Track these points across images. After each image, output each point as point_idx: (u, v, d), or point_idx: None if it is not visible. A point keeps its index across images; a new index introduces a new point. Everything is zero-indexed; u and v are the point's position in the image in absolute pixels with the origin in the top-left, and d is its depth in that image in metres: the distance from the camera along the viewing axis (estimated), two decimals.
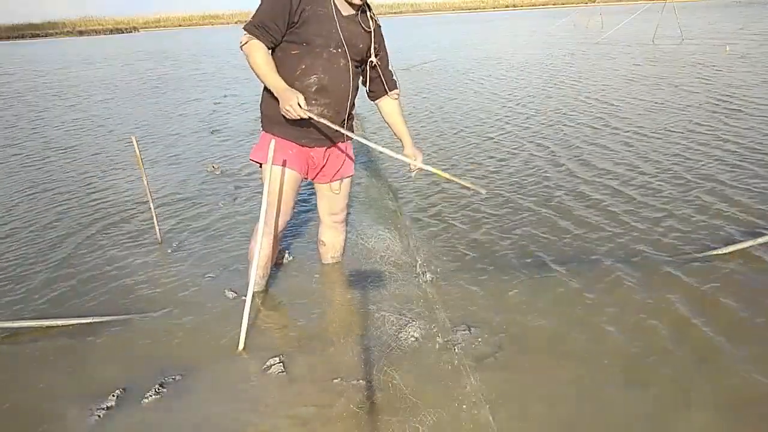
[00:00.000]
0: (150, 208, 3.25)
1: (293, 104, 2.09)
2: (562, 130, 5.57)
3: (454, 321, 2.29)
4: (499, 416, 1.75)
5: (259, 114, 2.45)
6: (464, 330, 2.21)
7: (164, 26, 60.39)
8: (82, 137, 6.56)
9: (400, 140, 2.54)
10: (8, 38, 49.78)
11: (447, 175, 2.27)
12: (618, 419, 1.74)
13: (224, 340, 2.24)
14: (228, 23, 58.77)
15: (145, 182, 3.18)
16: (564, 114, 6.35)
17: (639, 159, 4.44)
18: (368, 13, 2.30)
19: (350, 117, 2.45)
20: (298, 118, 2.13)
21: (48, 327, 2.37)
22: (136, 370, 2.08)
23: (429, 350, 2.11)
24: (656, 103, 6.62)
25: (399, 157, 2.41)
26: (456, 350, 2.09)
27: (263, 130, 2.41)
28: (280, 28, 2.17)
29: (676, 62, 10.03)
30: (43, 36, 51.16)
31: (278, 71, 2.19)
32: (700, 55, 10.75)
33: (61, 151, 5.87)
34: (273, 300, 2.57)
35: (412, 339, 2.18)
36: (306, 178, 2.51)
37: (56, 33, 53.04)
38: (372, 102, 2.59)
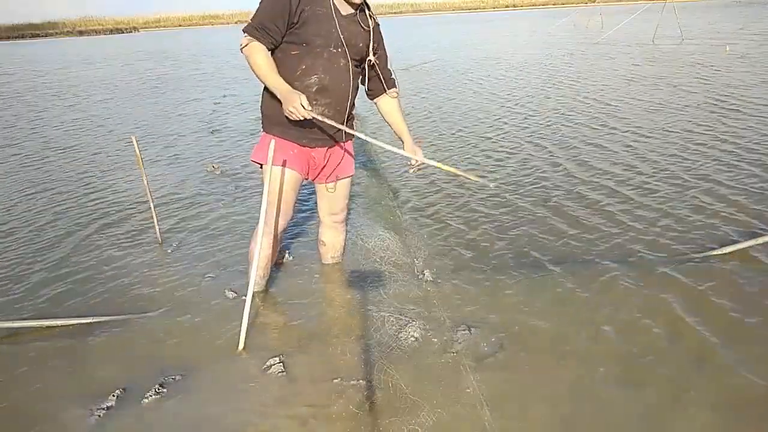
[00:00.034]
0: (150, 208, 3.25)
1: (297, 105, 2.08)
2: (560, 130, 5.58)
3: (454, 321, 2.29)
4: (499, 416, 1.76)
5: (260, 114, 2.45)
6: (464, 330, 2.21)
7: (164, 26, 60.40)
8: (81, 137, 6.56)
9: (400, 139, 2.53)
10: (8, 38, 49.78)
11: (451, 169, 2.26)
12: (617, 419, 1.74)
13: (224, 340, 2.24)
14: (228, 23, 58.79)
15: (145, 182, 3.18)
16: (562, 114, 6.36)
17: (637, 159, 4.45)
18: (367, 11, 2.31)
19: (350, 117, 2.45)
20: (303, 119, 2.13)
21: (48, 327, 2.37)
22: (136, 370, 2.08)
23: (429, 350, 2.11)
24: (654, 103, 6.62)
25: (401, 152, 2.39)
26: (456, 350, 2.10)
27: (264, 131, 2.41)
28: (280, 29, 2.17)
29: (675, 62, 10.03)
30: (43, 36, 51.16)
31: (278, 72, 2.19)
32: (699, 55, 10.76)
33: (60, 151, 5.87)
34: (273, 300, 2.57)
35: (412, 339, 2.18)
36: (307, 179, 2.51)
37: (56, 33, 53.04)
38: (371, 101, 2.58)
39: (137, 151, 3.10)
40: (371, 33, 2.32)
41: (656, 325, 2.21)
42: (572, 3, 46.33)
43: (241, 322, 2.19)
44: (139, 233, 3.44)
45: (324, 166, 2.49)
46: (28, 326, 2.37)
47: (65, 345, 2.26)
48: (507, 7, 60.73)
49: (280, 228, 2.45)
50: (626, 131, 5.37)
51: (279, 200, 2.38)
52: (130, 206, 3.94)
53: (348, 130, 2.31)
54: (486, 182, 2.29)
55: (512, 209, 3.54)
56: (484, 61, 12.49)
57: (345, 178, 2.59)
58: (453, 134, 5.80)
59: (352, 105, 2.42)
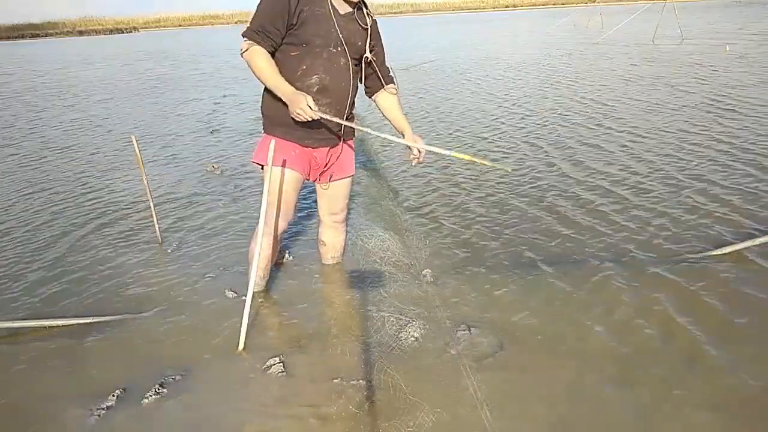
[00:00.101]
0: (150, 208, 3.25)
1: (303, 107, 2.08)
2: (557, 131, 5.58)
3: (454, 321, 2.29)
4: (499, 416, 1.76)
5: (259, 115, 2.44)
6: (464, 330, 2.21)
7: (164, 26, 60.37)
8: (80, 137, 6.56)
9: (401, 133, 2.49)
10: (8, 38, 49.73)
11: (461, 155, 2.25)
12: (615, 419, 1.74)
13: (224, 340, 2.24)
14: (228, 23, 58.78)
15: (145, 182, 3.18)
16: (559, 114, 6.36)
17: (632, 159, 4.45)
18: (364, 9, 2.31)
19: (350, 116, 2.45)
20: (310, 119, 2.12)
21: (48, 327, 2.37)
22: (136, 370, 2.08)
23: (429, 350, 2.11)
24: (651, 103, 6.63)
25: (403, 142, 2.38)
26: (456, 350, 2.10)
27: (265, 132, 2.41)
28: (281, 31, 2.16)
29: (673, 62, 10.04)
30: (43, 36, 51.12)
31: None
32: (698, 55, 10.76)
33: (58, 151, 5.87)
34: (273, 300, 2.57)
35: (412, 339, 2.18)
36: (308, 179, 2.50)
37: (56, 33, 53.00)
38: (370, 99, 2.57)
39: (137, 150, 3.10)
40: (369, 31, 2.32)
41: (660, 325, 2.21)
42: (572, 3, 46.35)
43: (241, 322, 2.19)
44: (139, 233, 3.44)
45: (325, 166, 2.49)
46: (28, 326, 2.37)
47: (65, 345, 2.26)
48: (507, 7, 60.74)
49: (281, 228, 2.45)
50: (622, 131, 5.37)
51: (279, 200, 2.38)
52: (130, 206, 3.94)
53: (357, 127, 2.31)
54: (505, 167, 2.29)
55: (510, 209, 3.54)
56: (483, 61, 12.50)
57: (345, 177, 2.58)
58: (450, 134, 5.80)
59: (352, 104, 2.42)
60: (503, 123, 6.13)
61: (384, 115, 2.56)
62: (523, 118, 6.29)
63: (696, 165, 4.18)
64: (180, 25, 60.92)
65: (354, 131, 2.54)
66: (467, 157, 2.24)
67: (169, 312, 2.48)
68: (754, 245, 2.73)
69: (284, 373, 2.01)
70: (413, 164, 2.46)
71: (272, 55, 2.22)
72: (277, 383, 1.97)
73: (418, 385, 1.91)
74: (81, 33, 52.64)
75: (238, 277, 2.76)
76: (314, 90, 2.23)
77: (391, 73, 2.52)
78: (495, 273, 2.71)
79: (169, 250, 3.15)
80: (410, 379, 1.94)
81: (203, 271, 2.86)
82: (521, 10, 55.84)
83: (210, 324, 2.37)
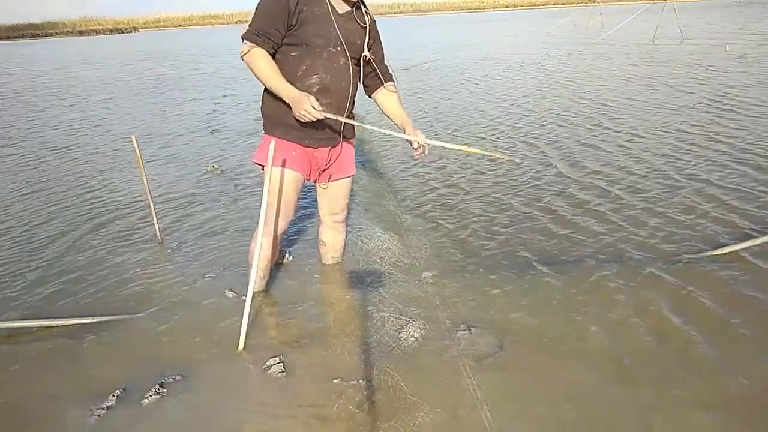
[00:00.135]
0: (150, 208, 3.25)
1: (308, 108, 2.07)
2: (555, 130, 5.58)
3: (453, 321, 2.29)
4: (499, 416, 1.76)
5: (259, 115, 2.44)
6: (464, 330, 2.21)
7: (164, 26, 60.38)
8: (79, 137, 6.55)
9: (403, 130, 2.43)
10: (8, 38, 49.73)
11: (468, 148, 2.24)
12: (617, 419, 1.74)
13: (224, 340, 2.24)
14: (228, 23, 58.78)
15: (145, 182, 3.18)
16: (557, 114, 6.36)
17: (631, 159, 4.44)
18: (363, 8, 2.31)
19: (351, 116, 2.45)
20: (315, 120, 2.12)
21: (48, 327, 2.37)
22: (136, 370, 2.08)
23: (429, 350, 2.11)
24: (650, 103, 6.63)
25: (404, 136, 2.35)
26: (456, 350, 2.10)
27: (265, 132, 2.40)
28: (281, 32, 2.16)
29: (673, 62, 10.04)
30: (43, 36, 51.11)
31: None
32: (698, 55, 10.76)
33: (57, 151, 5.87)
34: (273, 300, 2.57)
35: (412, 339, 2.18)
36: (308, 179, 2.50)
37: (56, 33, 53.00)
38: (370, 97, 2.56)
39: (137, 151, 3.10)
40: (368, 29, 2.32)
41: (655, 325, 2.21)
42: (572, 3, 46.35)
43: (241, 322, 2.19)
44: (138, 233, 3.44)
45: (326, 166, 2.49)
46: (28, 326, 2.37)
47: (65, 345, 2.26)
48: (507, 7, 60.75)
49: (281, 229, 2.45)
50: (620, 131, 5.37)
51: (279, 201, 2.38)
52: (129, 206, 3.94)
53: (360, 124, 2.31)
54: (514, 159, 2.30)
55: (509, 209, 3.55)
56: (482, 61, 12.50)
57: (346, 177, 2.58)
58: (448, 134, 5.80)
59: (353, 104, 2.42)
60: (501, 123, 6.13)
61: (384, 113, 2.53)
62: (521, 118, 6.30)
63: (693, 165, 4.18)
64: (180, 25, 60.92)
65: (354, 131, 2.53)
66: (474, 150, 2.24)
67: (169, 312, 2.48)
68: (754, 245, 2.73)
69: (284, 373, 2.01)
70: (415, 159, 2.43)
71: (272, 56, 2.22)
72: (277, 383, 1.97)
73: (418, 385, 1.91)
74: (81, 33, 52.64)
75: (238, 277, 2.76)
76: (315, 90, 2.23)
77: (390, 71, 2.51)
78: (495, 273, 2.71)
79: (169, 250, 3.15)
80: (410, 379, 1.94)
81: (203, 271, 2.86)
82: (521, 10, 55.85)
83: (210, 324, 2.37)
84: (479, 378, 1.93)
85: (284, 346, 2.20)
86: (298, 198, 2.48)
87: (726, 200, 3.44)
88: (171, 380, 1.99)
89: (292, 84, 2.18)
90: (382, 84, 2.47)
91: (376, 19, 2.40)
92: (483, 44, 17.56)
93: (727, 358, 1.99)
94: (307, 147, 2.38)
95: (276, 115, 2.30)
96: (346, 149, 2.53)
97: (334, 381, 1.96)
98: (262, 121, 2.44)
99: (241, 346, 2.17)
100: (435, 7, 65.22)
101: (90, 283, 2.79)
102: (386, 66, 2.48)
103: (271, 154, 2.22)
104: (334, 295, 2.63)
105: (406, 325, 2.26)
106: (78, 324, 2.39)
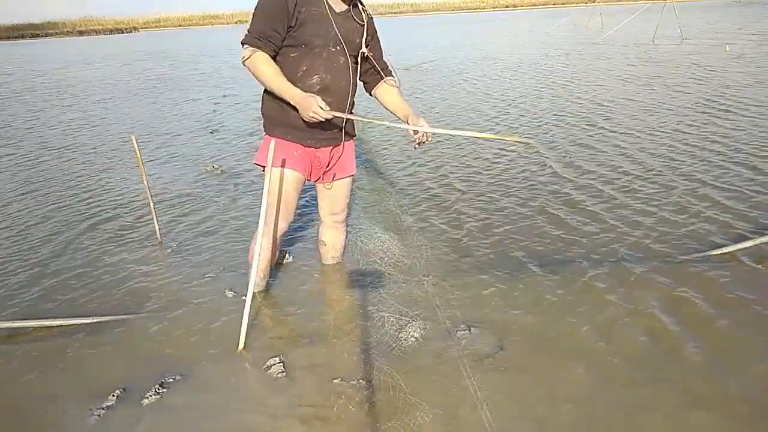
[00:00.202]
0: (150, 208, 3.25)
1: (316, 109, 2.06)
2: (551, 131, 5.58)
3: (453, 321, 2.29)
4: (499, 416, 1.76)
5: (259, 115, 2.44)
6: (464, 330, 2.21)
7: (164, 26, 60.35)
8: (78, 137, 6.55)
9: (407, 121, 2.35)
10: (8, 38, 49.70)
11: (478, 134, 2.24)
12: (617, 419, 1.74)
13: (224, 339, 2.24)
14: (228, 23, 58.78)
15: (145, 182, 3.18)
16: (554, 114, 6.37)
17: (627, 160, 4.44)
18: (360, 6, 2.31)
19: (353, 115, 2.44)
20: (324, 120, 2.11)
21: (48, 327, 2.37)
22: (136, 370, 2.08)
23: (429, 350, 2.12)
24: (647, 103, 6.63)
25: (406, 126, 2.30)
26: (456, 350, 2.10)
27: (266, 133, 2.40)
28: (281, 34, 2.16)
29: (671, 62, 10.04)
30: (43, 36, 51.09)
31: None
32: (696, 55, 10.76)
33: (56, 151, 5.87)
34: (273, 300, 2.57)
35: (412, 339, 2.18)
36: (309, 179, 2.50)
37: (56, 33, 52.97)
38: (370, 94, 2.54)
39: (137, 151, 3.10)
40: (365, 27, 2.32)
41: (654, 325, 2.21)
42: (572, 3, 46.34)
43: (241, 322, 2.19)
44: (139, 233, 3.44)
45: (328, 166, 2.49)
46: (28, 326, 2.37)
47: (65, 345, 2.26)
48: (507, 7, 60.72)
49: (281, 229, 2.45)
50: (616, 131, 5.37)
51: (279, 201, 2.37)
52: (130, 206, 3.94)
53: (364, 118, 2.31)
54: (527, 141, 2.26)
55: (508, 209, 3.55)
56: (481, 61, 12.49)
57: (346, 177, 2.58)
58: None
59: (353, 103, 2.41)
60: (498, 123, 6.14)
61: (386, 108, 2.48)
62: (517, 118, 6.30)
63: (689, 165, 4.18)
64: (180, 25, 60.88)
65: (354, 130, 2.54)
66: (486, 136, 2.23)
67: (168, 312, 2.48)
68: (751, 246, 2.73)
69: (284, 373, 2.01)
70: (415, 147, 2.38)
71: (273, 58, 2.22)
72: (277, 383, 1.97)
73: (418, 385, 1.91)
74: (81, 33, 52.61)
75: (238, 276, 2.76)
76: (315, 90, 2.23)
77: (390, 68, 2.50)
78: (495, 274, 2.71)
79: (169, 250, 3.15)
80: (410, 379, 1.94)
81: (203, 271, 2.86)
82: (521, 10, 55.83)
83: (210, 324, 2.37)
84: (479, 378, 1.93)
85: (284, 346, 2.20)
86: (299, 198, 2.48)
87: (720, 200, 3.44)
88: (171, 380, 1.99)
89: (293, 85, 2.18)
90: (382, 79, 2.46)
91: (372, 15, 2.39)
92: (482, 44, 17.56)
93: (721, 359, 1.99)
94: (310, 147, 2.38)
95: (276, 115, 2.30)
96: (347, 149, 2.53)
97: (334, 381, 1.96)
98: (262, 122, 2.44)
99: (241, 345, 2.17)
100: (435, 7, 65.20)
101: (89, 283, 2.79)
102: (385, 62, 2.47)
103: (271, 154, 2.22)
104: (334, 295, 2.63)
105: (406, 325, 2.26)
106: (78, 324, 2.39)
